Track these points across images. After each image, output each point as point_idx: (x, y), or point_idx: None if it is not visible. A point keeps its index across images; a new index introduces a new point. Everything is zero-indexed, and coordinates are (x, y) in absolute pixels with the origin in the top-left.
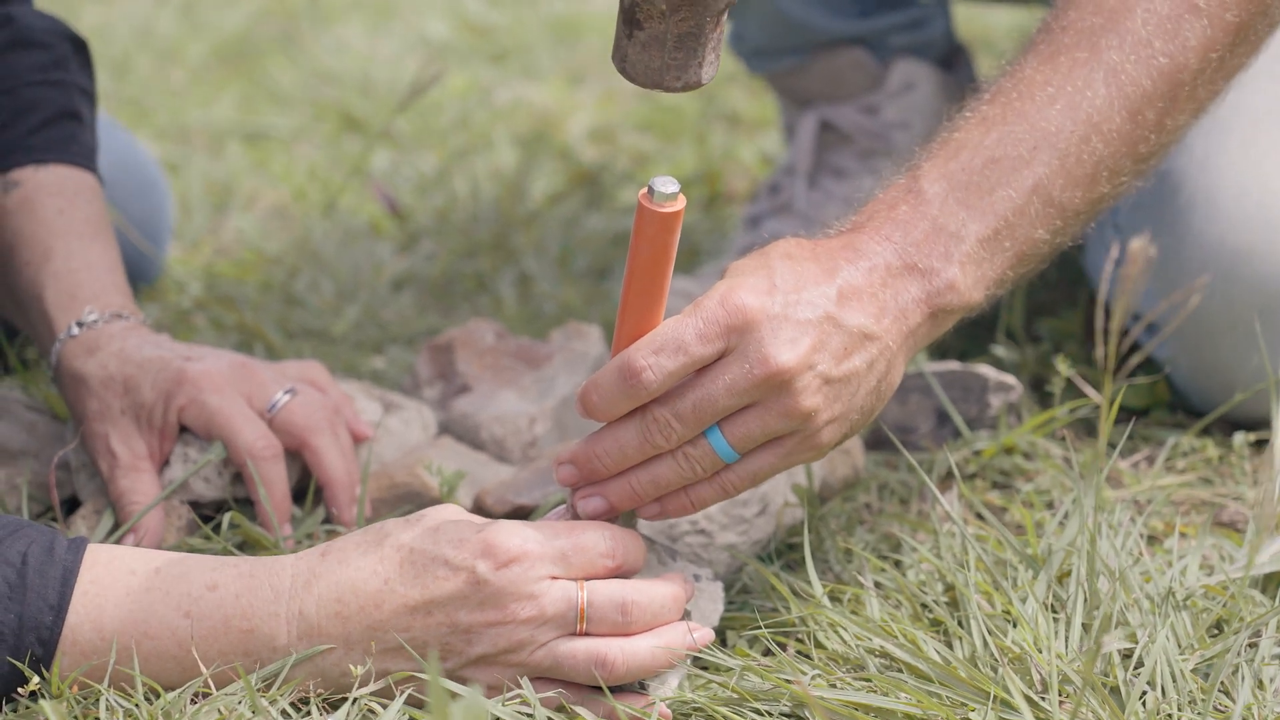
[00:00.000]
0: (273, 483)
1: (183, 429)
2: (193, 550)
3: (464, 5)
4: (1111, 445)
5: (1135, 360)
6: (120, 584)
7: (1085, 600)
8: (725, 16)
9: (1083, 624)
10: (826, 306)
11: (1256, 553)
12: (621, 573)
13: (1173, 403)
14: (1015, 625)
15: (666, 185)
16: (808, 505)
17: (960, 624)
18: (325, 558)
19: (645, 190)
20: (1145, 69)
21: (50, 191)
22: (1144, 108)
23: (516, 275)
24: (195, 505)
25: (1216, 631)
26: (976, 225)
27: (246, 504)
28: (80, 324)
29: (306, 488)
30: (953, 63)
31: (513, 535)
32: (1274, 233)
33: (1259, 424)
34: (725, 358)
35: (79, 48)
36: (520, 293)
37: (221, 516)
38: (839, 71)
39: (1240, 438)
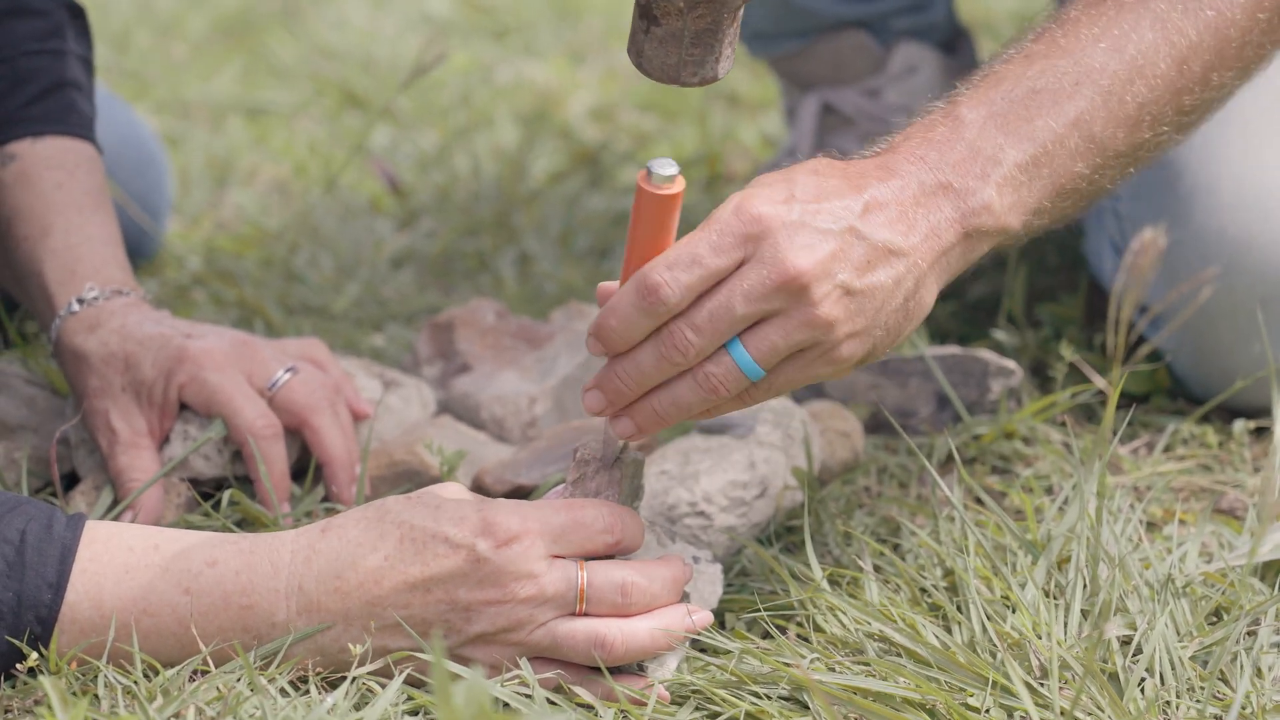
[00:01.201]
0: (272, 461)
1: (183, 406)
2: (192, 528)
3: None
4: (1112, 431)
5: (1144, 351)
6: (119, 561)
7: (1085, 586)
8: (741, 11)
9: (1082, 610)
10: (849, 219)
11: (1259, 542)
12: (621, 550)
13: (1173, 389)
14: (1014, 611)
15: (665, 167)
16: (807, 488)
17: (959, 609)
18: (325, 534)
19: (644, 172)
20: (1192, 20)
21: (48, 164)
22: (1190, 57)
23: (517, 254)
24: (195, 483)
25: (1216, 619)
26: (1014, 151)
27: (246, 482)
28: (81, 300)
29: (307, 466)
30: (955, 46)
31: (512, 514)
32: (1274, 223)
33: (1259, 412)
34: (742, 267)
35: (76, 14)
36: (521, 272)
37: (221, 494)
38: (841, 55)
39: (1240, 425)
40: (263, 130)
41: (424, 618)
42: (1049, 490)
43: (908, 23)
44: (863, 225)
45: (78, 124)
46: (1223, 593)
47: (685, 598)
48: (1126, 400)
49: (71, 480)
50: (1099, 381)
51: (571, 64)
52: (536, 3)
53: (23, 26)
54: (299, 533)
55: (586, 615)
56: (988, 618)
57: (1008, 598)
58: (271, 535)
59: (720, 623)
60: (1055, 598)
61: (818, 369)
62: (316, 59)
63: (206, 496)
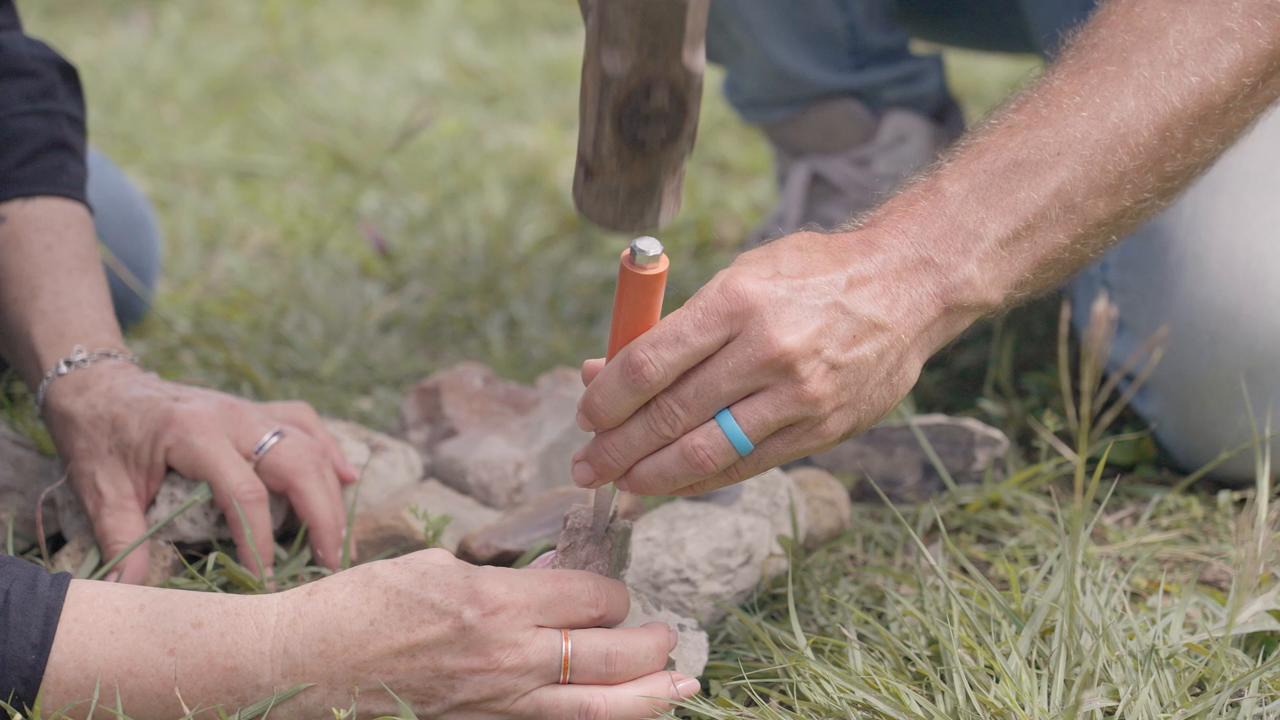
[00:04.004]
0: (256, 525)
1: (170, 469)
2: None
3: (456, 47)
4: (1097, 501)
5: (1108, 418)
6: (104, 621)
7: (1068, 656)
8: (684, 164)
9: (1065, 680)
10: (834, 294)
11: (1237, 612)
12: (605, 623)
13: (1158, 460)
14: (998, 680)
15: (649, 247)
16: (792, 556)
17: (943, 678)
18: (312, 597)
19: (627, 252)
20: (1175, 87)
21: (38, 226)
22: (1173, 125)
23: (505, 319)
24: (181, 545)
25: (1199, 690)
26: (996, 225)
27: (232, 545)
28: (69, 362)
29: (294, 529)
30: (945, 116)
31: (499, 583)
32: (1261, 294)
33: (1244, 483)
34: (729, 344)
35: (68, 75)
36: (508, 337)
37: (207, 558)
38: (832, 123)
39: (1225, 496)
40: (253, 193)
41: (409, 684)
42: (1034, 560)
43: (899, 93)
44: (847, 300)
45: (68, 185)
46: (1206, 664)
47: (670, 665)
48: (1112, 470)
49: (58, 542)
50: (1070, 455)
51: (561, 129)
52: (526, 68)
53: (14, 87)
54: (285, 596)
55: (570, 684)
56: (971, 687)
57: (991, 667)
58: (257, 598)
59: (705, 690)
60: (1039, 667)
61: (805, 443)
62: (307, 122)
63: (192, 559)
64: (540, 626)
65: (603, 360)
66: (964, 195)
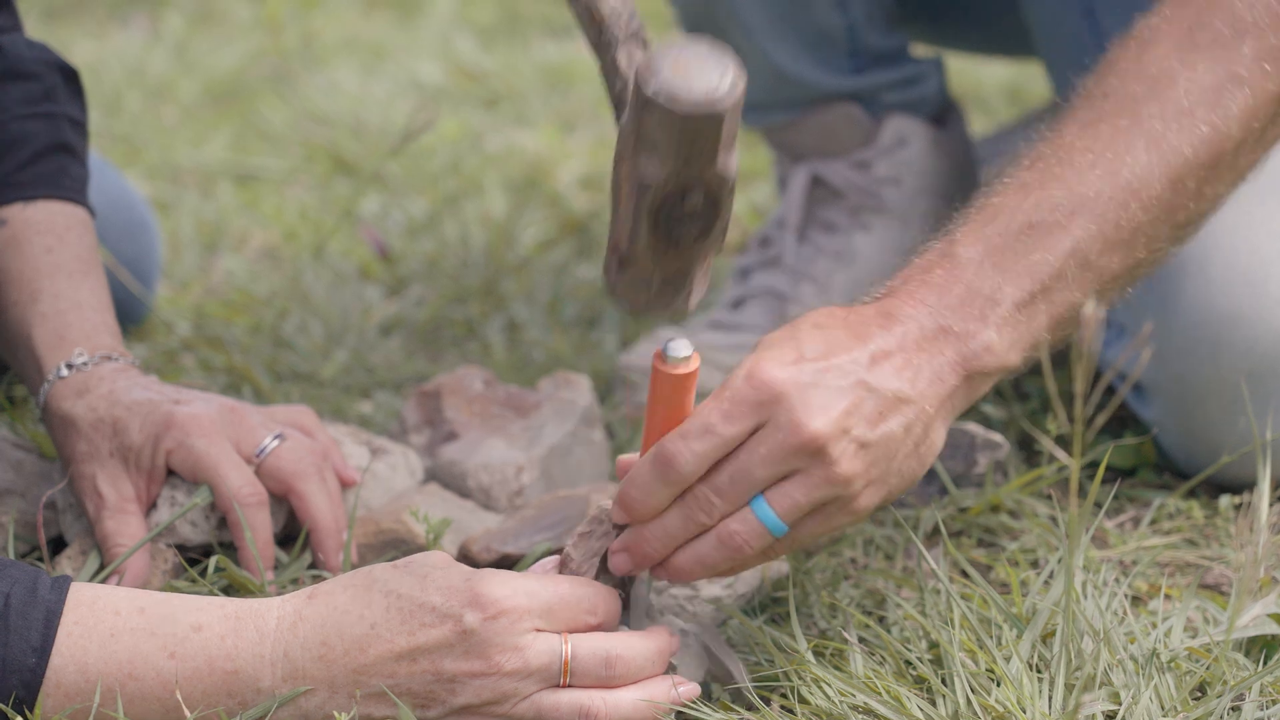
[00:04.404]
0: (256, 528)
1: (171, 472)
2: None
3: (456, 50)
4: (1098, 505)
5: (1100, 421)
6: (105, 625)
7: (1069, 660)
8: (714, 255)
9: (1066, 684)
10: (858, 372)
11: (1237, 616)
12: (601, 629)
13: (1159, 464)
14: (999, 684)
15: (680, 350)
16: (793, 559)
17: (944, 682)
18: (312, 600)
19: (659, 351)
20: (1187, 137)
21: (38, 229)
22: (1185, 176)
23: (505, 322)
24: (182, 548)
25: (1200, 694)
26: (1012, 289)
27: (232, 548)
28: (69, 365)
29: (295, 533)
30: (945, 119)
31: (500, 586)
32: (1262, 298)
33: (1244, 487)
34: (759, 431)
35: (69, 77)
36: (509, 340)
37: (208, 561)
38: (832, 126)
39: (1226, 500)
40: (253, 196)
41: (409, 688)
42: (1035, 564)
43: (899, 96)
44: (871, 378)
45: (69, 188)
46: (1207, 668)
47: (671, 669)
48: (1113, 474)
49: (58, 544)
50: (1066, 460)
51: (561, 132)
52: (527, 71)
53: (15, 90)
54: (286, 599)
55: (571, 687)
56: (972, 690)
57: (992, 671)
58: (258, 601)
59: (706, 694)
60: (1040, 671)
61: (838, 520)
62: (307, 124)
63: (193, 562)
64: (540, 630)
65: (636, 455)
66: (979, 261)
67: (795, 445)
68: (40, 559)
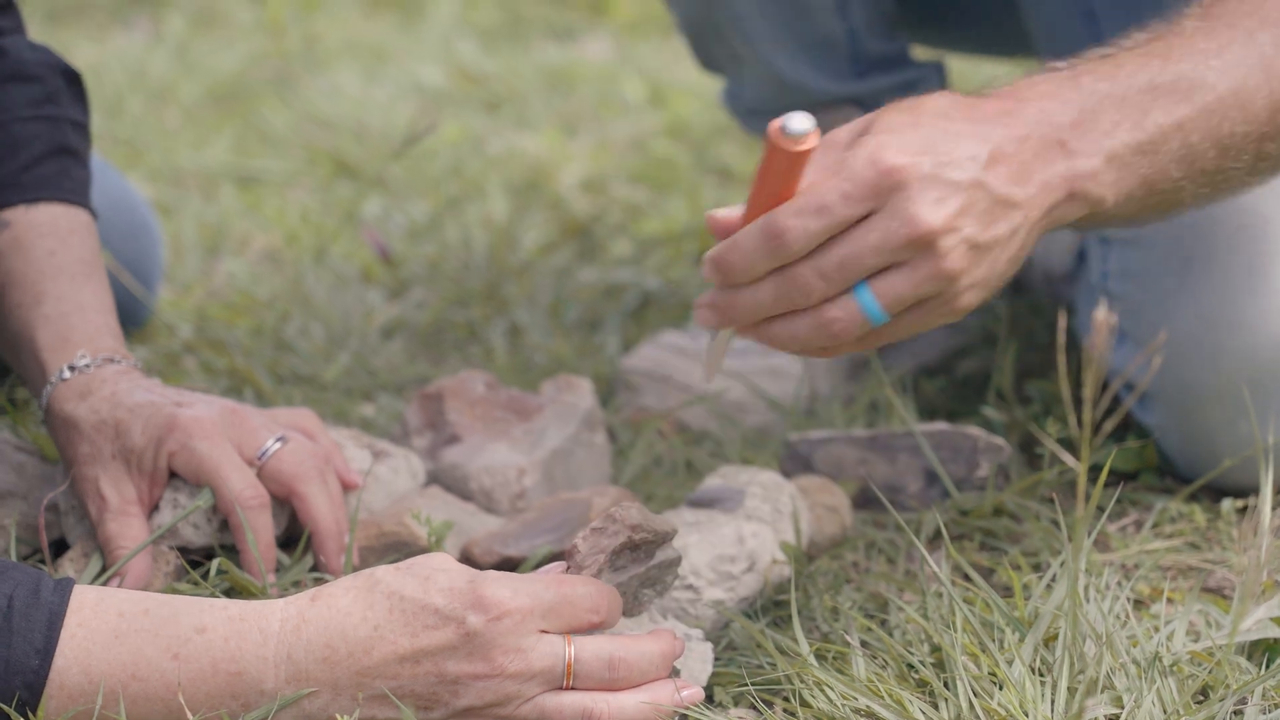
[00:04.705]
0: (258, 530)
1: (173, 475)
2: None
3: (458, 53)
4: (1100, 509)
5: (1109, 427)
6: (108, 627)
7: (1072, 664)
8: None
9: (1069, 687)
10: (976, 171)
11: (1240, 620)
12: (603, 629)
13: (1161, 468)
14: (1001, 687)
15: (801, 122)
16: (795, 563)
17: (946, 685)
18: (315, 602)
19: (776, 126)
20: None
21: (41, 232)
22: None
23: (507, 325)
24: (184, 551)
25: (1202, 698)
26: (1125, 132)
27: (234, 551)
28: (72, 368)
29: (297, 535)
30: None
31: (503, 588)
32: (1263, 304)
33: (1246, 491)
34: (871, 217)
35: (72, 80)
36: (511, 343)
37: (210, 564)
38: None
39: (1228, 504)
40: (255, 199)
41: (412, 689)
42: (1037, 567)
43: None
44: (988, 178)
45: (72, 190)
46: (1209, 671)
47: (675, 674)
48: (1115, 478)
49: (60, 547)
50: (1073, 463)
51: (563, 135)
52: (528, 74)
53: (17, 92)
54: (288, 601)
55: (574, 689)
56: (974, 694)
57: (995, 674)
58: (261, 603)
59: (709, 698)
60: (1042, 675)
61: (937, 317)
62: (309, 127)
63: (196, 565)
64: (544, 632)
65: (732, 210)
66: (1103, 95)
67: (908, 236)
68: (42, 561)
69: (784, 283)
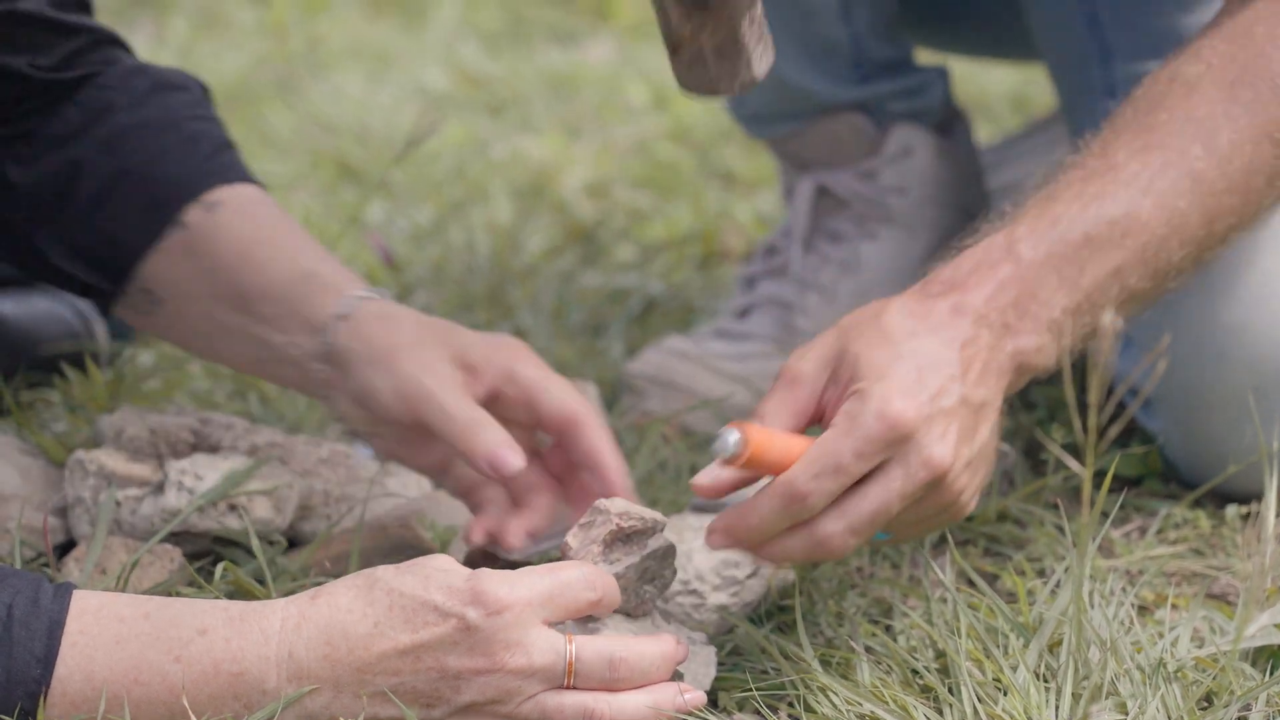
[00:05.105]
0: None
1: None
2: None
3: (461, 56)
4: (1104, 514)
5: (1114, 432)
6: (110, 632)
7: (1076, 670)
8: (757, 10)
9: (1073, 693)
10: (957, 390)
11: (1244, 626)
12: (603, 607)
13: (1165, 473)
14: (1006, 693)
15: (725, 445)
16: (799, 568)
17: (951, 691)
18: (315, 601)
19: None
20: (1225, 184)
21: (257, 202)
22: (1217, 219)
23: (511, 329)
24: (184, 536)
25: (1207, 704)
26: (1063, 297)
27: (234, 545)
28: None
29: (299, 537)
30: (950, 127)
31: (501, 583)
32: (1268, 310)
33: (1251, 497)
34: (888, 466)
35: (206, 91)
36: None
37: (214, 568)
38: (837, 136)
39: (1233, 510)
40: None
41: (414, 686)
42: (1041, 573)
43: (903, 106)
44: (966, 392)
45: (250, 176)
46: (1214, 678)
47: (679, 678)
48: (1119, 483)
49: (63, 551)
50: (1078, 468)
51: (566, 139)
52: (531, 78)
53: (175, 98)
54: (289, 600)
55: (575, 689)
56: (979, 700)
57: (999, 680)
58: (262, 603)
59: (713, 702)
60: (1047, 681)
61: (941, 523)
62: (312, 131)
63: (192, 557)
64: (546, 622)
65: (715, 474)
66: (1040, 263)
67: (928, 479)
68: (46, 565)
69: (813, 542)
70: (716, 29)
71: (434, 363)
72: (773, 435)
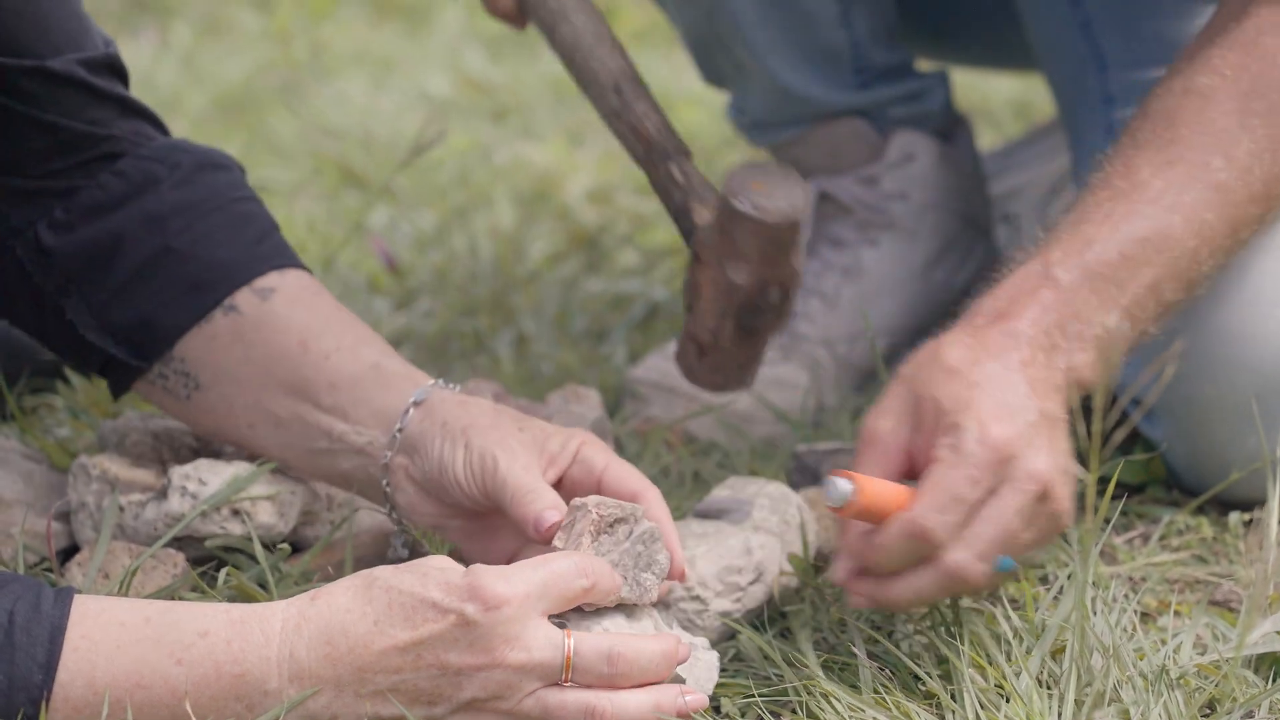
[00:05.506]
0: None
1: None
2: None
3: (465, 62)
4: (1107, 521)
5: (1116, 439)
6: (111, 637)
7: (1079, 676)
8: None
9: (1076, 700)
10: (1035, 405)
11: (1246, 633)
12: (597, 593)
13: (1168, 480)
14: (1008, 700)
15: (837, 494)
16: (802, 574)
17: (953, 697)
18: (315, 601)
19: (825, 497)
20: (1247, 192)
21: (311, 290)
22: (1242, 227)
23: (514, 335)
24: (188, 540)
25: (1209, 711)
26: (1104, 315)
27: (236, 551)
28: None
29: (302, 539)
30: (953, 134)
31: (498, 579)
32: (1270, 318)
33: (1253, 504)
34: (998, 489)
35: (243, 171)
36: (518, 353)
37: (218, 573)
38: (838, 142)
39: (1235, 517)
40: None
41: (415, 683)
42: (1044, 579)
43: (904, 111)
44: (1042, 404)
45: (298, 261)
46: (1216, 685)
47: (680, 682)
48: (1122, 490)
49: (66, 556)
50: (1082, 473)
51: (570, 146)
52: (535, 84)
53: (219, 178)
54: (289, 602)
55: (574, 684)
56: (981, 706)
57: (1002, 686)
58: (262, 605)
59: (715, 708)
60: (1049, 687)
61: (1050, 538)
62: (316, 136)
63: (197, 563)
64: (543, 613)
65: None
66: (1077, 285)
67: (1039, 491)
68: (48, 570)
69: (945, 575)
70: (749, 350)
71: (507, 438)
72: (879, 482)
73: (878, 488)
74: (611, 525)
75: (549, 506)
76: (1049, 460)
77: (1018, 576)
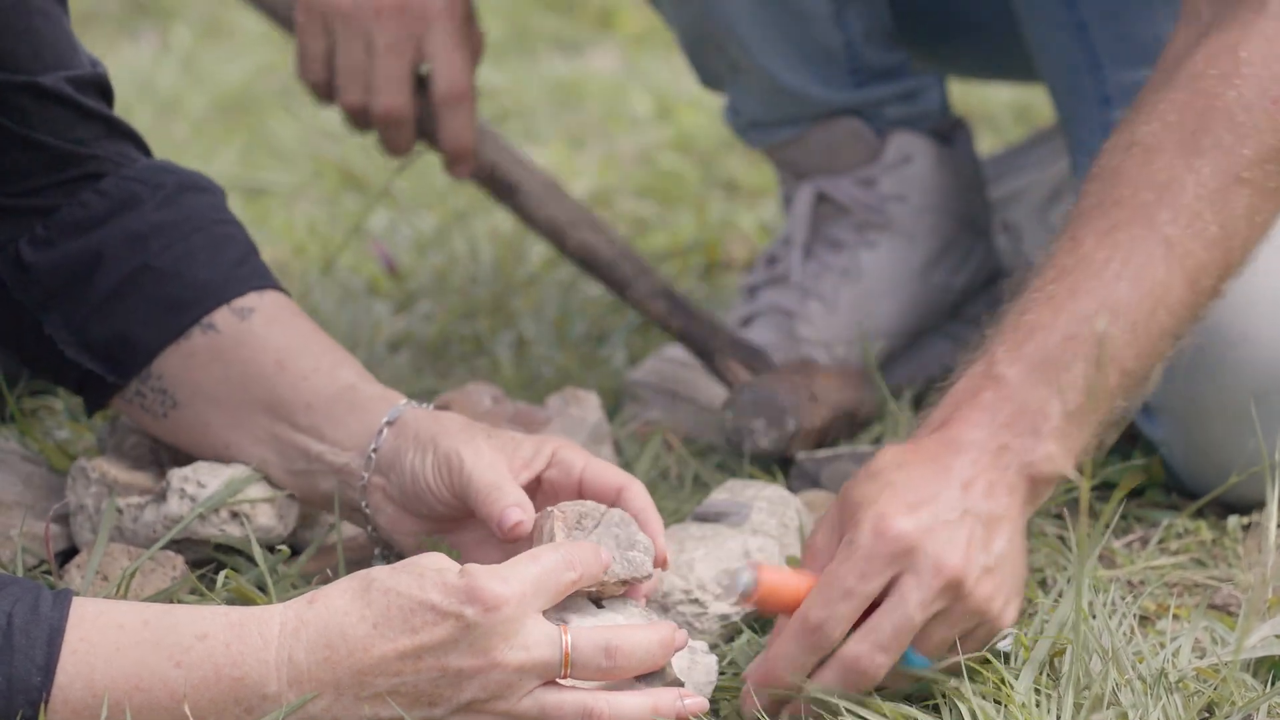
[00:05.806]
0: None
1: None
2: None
3: None
4: (1105, 525)
5: (1115, 441)
6: (110, 640)
7: (1077, 680)
8: None
9: (1075, 703)
10: (959, 503)
11: (1244, 637)
12: (584, 579)
13: (1167, 483)
14: (1007, 704)
15: (741, 584)
16: None
17: (952, 701)
18: (313, 604)
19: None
20: (1200, 240)
21: (290, 311)
22: (1201, 276)
23: (514, 338)
24: (186, 542)
25: (1208, 714)
26: (1059, 401)
27: (237, 553)
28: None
29: (300, 541)
30: (952, 136)
31: (495, 579)
32: (1270, 319)
33: (1253, 507)
34: (900, 580)
35: (224, 194)
36: (517, 356)
37: (217, 575)
38: (835, 142)
39: (1234, 520)
40: (262, 211)
41: (415, 686)
42: (1043, 583)
43: (900, 111)
44: (970, 504)
45: (276, 284)
46: (1215, 688)
47: (678, 684)
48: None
49: (65, 559)
50: (1074, 476)
51: (570, 148)
52: (536, 87)
53: (200, 200)
54: (288, 605)
55: (572, 680)
56: (981, 710)
57: (1001, 689)
58: (261, 608)
59: (714, 711)
60: (1048, 691)
61: (980, 641)
62: (316, 139)
63: (200, 565)
64: (539, 610)
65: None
66: (1023, 378)
67: (943, 583)
68: (48, 572)
69: (844, 669)
70: None
71: (474, 439)
72: (785, 573)
73: (779, 577)
74: (579, 520)
75: (513, 504)
76: (959, 553)
77: (934, 677)
